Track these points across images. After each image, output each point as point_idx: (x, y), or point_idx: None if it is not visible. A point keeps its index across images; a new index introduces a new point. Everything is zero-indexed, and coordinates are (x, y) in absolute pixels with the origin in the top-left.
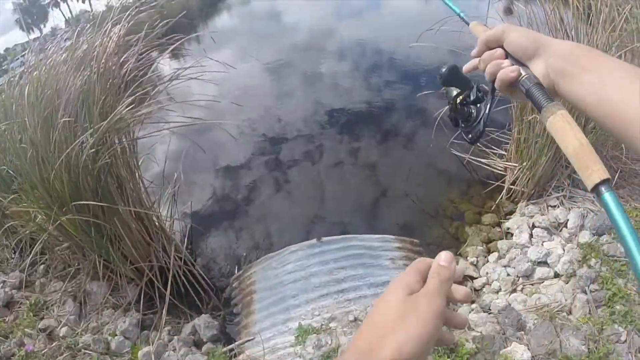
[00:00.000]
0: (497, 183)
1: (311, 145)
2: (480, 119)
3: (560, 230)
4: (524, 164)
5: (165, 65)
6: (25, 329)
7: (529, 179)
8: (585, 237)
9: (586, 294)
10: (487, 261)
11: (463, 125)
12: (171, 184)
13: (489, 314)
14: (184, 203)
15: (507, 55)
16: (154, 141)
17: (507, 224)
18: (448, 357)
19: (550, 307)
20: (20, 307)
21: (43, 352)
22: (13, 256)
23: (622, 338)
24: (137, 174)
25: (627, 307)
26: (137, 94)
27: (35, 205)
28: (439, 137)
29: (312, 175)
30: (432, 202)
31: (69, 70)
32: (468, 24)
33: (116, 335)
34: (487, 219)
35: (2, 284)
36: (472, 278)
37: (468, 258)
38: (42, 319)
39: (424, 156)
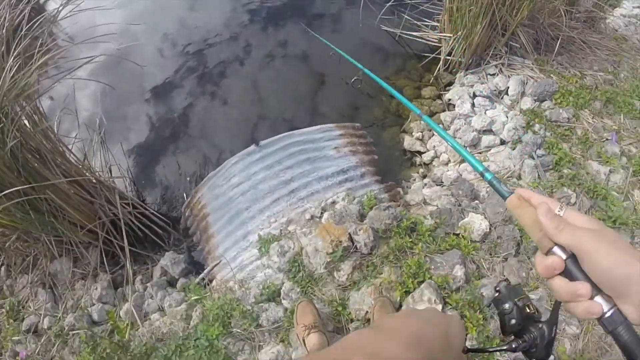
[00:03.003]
0: (432, 55)
1: (236, 46)
2: (547, 342)
3: (502, 98)
4: (459, 33)
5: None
6: (13, 337)
7: (465, 48)
8: (527, 103)
9: (534, 159)
10: (433, 134)
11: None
12: (96, 131)
13: (442, 186)
14: (116, 144)
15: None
16: (66, 93)
17: (447, 96)
18: (410, 237)
19: (500, 174)
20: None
21: (37, 351)
22: None
23: (572, 200)
24: (54, 138)
25: (575, 171)
26: (21, 53)
27: None
28: (366, 14)
29: (243, 77)
30: (369, 83)
31: None
32: (504, 197)
33: (94, 304)
34: (427, 92)
35: None
36: (420, 153)
37: (413, 134)
38: (23, 320)
39: (353, 37)
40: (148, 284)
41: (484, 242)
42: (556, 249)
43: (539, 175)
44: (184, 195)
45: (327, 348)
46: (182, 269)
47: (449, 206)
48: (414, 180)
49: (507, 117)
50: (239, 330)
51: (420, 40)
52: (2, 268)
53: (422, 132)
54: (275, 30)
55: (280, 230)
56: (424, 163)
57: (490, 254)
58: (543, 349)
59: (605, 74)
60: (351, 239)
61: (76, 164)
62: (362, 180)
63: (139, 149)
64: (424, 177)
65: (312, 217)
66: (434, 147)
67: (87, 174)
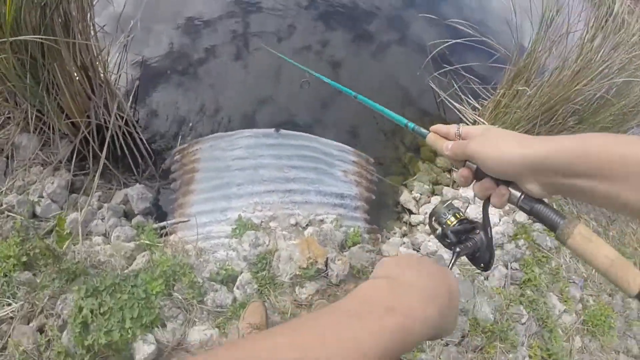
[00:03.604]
0: None
1: (282, 22)
2: (487, 244)
3: None
4: (495, 126)
5: None
6: None
7: None
8: (521, 216)
9: (507, 268)
10: (429, 202)
11: (471, 256)
12: (125, 31)
13: (418, 252)
14: (136, 55)
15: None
16: None
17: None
18: None
19: (472, 267)
20: None
21: None
22: None
23: (523, 320)
24: (89, 14)
25: (536, 296)
26: None
27: None
28: (418, 62)
29: (274, 54)
30: (392, 124)
31: None
32: (424, 137)
33: (42, 197)
34: (441, 161)
35: None
36: (411, 212)
37: (412, 192)
38: None
39: (398, 75)
40: (105, 204)
41: None
42: (468, 163)
43: (504, 285)
44: (180, 138)
45: (344, 299)
46: (145, 208)
47: None
48: (394, 233)
49: (500, 220)
50: (179, 297)
51: (456, 112)
52: None
53: (420, 194)
54: (324, 28)
55: (262, 221)
56: (410, 223)
57: None
58: (486, 251)
59: (598, 225)
60: (326, 264)
61: (94, 53)
62: (354, 213)
63: (156, 70)
64: (404, 235)
65: (297, 224)
66: (425, 213)
67: (99, 68)
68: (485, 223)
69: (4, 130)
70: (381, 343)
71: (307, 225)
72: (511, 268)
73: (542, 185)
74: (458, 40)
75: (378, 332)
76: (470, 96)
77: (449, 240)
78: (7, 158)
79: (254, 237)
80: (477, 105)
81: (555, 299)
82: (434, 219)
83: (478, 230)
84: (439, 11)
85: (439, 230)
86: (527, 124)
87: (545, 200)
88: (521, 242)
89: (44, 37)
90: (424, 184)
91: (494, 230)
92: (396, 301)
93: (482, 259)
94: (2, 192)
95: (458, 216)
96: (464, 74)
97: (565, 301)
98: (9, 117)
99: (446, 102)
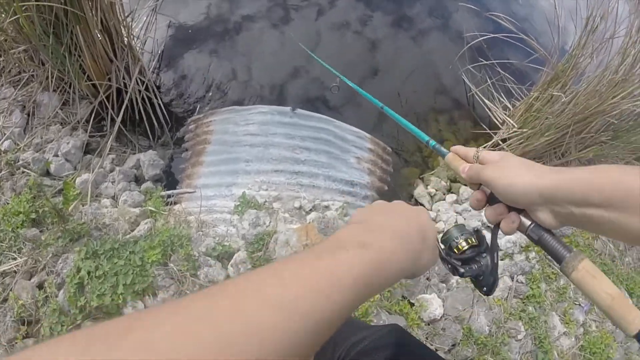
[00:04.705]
0: (488, 130)
1: None
2: (492, 269)
3: None
4: (524, 130)
5: None
6: None
7: (521, 147)
8: None
9: (512, 280)
10: (444, 199)
11: (474, 279)
12: None
13: None
14: (166, 19)
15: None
16: None
17: None
18: None
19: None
20: None
21: None
22: None
23: (519, 337)
24: None
25: (537, 313)
26: None
27: None
28: (454, 52)
29: (313, 26)
30: (417, 113)
31: None
32: (444, 156)
33: (57, 156)
34: None
35: None
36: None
37: (428, 187)
38: None
39: (433, 63)
40: (117, 167)
41: (429, 325)
42: (482, 187)
43: (507, 297)
44: (198, 107)
45: (323, 240)
46: (155, 174)
47: None
48: None
49: None
50: (174, 268)
51: (486, 109)
52: None
53: (436, 190)
54: (365, 6)
55: (266, 201)
56: None
57: (427, 339)
58: (490, 275)
59: (615, 249)
60: None
61: (118, 17)
62: (362, 202)
63: (183, 36)
64: None
65: (301, 207)
66: (439, 210)
67: (123, 31)
68: (494, 248)
69: (27, 87)
70: (354, 272)
71: (310, 209)
72: (517, 281)
73: (553, 214)
74: (497, 35)
75: (351, 263)
76: (502, 94)
77: (450, 266)
78: (28, 115)
79: (255, 217)
80: (508, 104)
81: (557, 320)
82: (446, 242)
83: (485, 254)
84: (482, 2)
85: (444, 253)
86: (557, 133)
87: (554, 231)
88: (532, 254)
89: None
90: (441, 180)
91: (506, 238)
92: (369, 239)
93: (485, 282)
94: (20, 148)
95: (470, 242)
96: (499, 70)
97: (567, 323)
98: (32, 75)
99: (477, 97)
